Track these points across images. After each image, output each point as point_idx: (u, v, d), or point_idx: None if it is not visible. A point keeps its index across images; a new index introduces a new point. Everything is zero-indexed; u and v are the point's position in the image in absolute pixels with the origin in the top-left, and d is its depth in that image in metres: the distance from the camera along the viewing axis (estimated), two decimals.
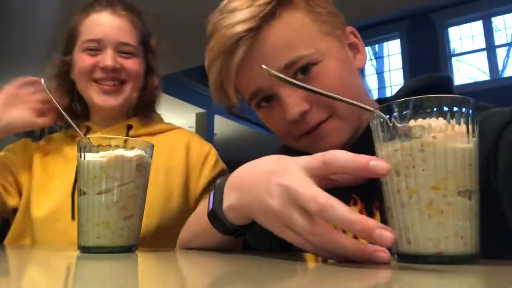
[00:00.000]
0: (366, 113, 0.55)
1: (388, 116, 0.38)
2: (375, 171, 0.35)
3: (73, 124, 0.56)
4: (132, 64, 0.90)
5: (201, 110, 5.88)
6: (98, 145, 0.53)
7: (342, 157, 0.37)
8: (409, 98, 0.37)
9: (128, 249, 0.53)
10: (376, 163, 0.35)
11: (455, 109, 0.36)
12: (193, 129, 5.73)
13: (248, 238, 0.65)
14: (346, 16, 0.65)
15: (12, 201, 0.90)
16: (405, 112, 0.37)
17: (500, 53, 6.55)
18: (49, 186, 0.89)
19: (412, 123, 0.37)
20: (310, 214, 0.37)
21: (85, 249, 0.52)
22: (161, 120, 1.03)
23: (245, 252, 0.58)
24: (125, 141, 0.54)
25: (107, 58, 0.86)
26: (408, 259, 0.37)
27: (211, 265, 0.42)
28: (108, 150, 0.52)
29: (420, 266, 0.35)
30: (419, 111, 0.37)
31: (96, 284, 0.28)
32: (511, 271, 0.33)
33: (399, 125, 0.37)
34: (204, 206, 0.55)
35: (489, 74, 6.56)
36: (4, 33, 3.65)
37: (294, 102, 0.56)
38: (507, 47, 6.53)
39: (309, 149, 0.60)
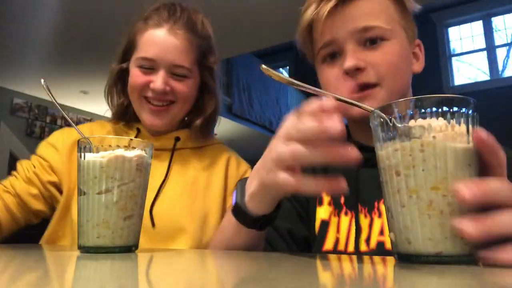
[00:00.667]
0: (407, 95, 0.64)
1: (388, 116, 0.38)
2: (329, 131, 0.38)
3: (74, 125, 0.57)
4: (182, 87, 0.89)
5: None
6: (98, 145, 0.53)
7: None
8: (409, 98, 0.37)
9: (128, 249, 0.53)
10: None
11: (455, 109, 0.36)
12: None
13: (269, 240, 0.68)
14: None
15: (38, 206, 0.86)
16: (405, 112, 0.37)
17: (500, 53, 6.55)
18: None
19: (412, 123, 0.37)
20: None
21: (85, 249, 0.52)
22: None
23: (247, 252, 0.58)
24: (125, 141, 0.54)
25: (158, 81, 0.86)
26: (408, 259, 0.37)
27: (212, 264, 0.42)
28: (108, 150, 0.53)
29: (420, 266, 0.35)
30: (419, 111, 0.37)
31: (96, 284, 0.28)
32: (511, 271, 0.33)
33: (399, 125, 0.37)
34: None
35: (489, 74, 6.57)
36: (4, 33, 3.65)
37: (355, 56, 0.64)
38: (507, 47, 6.53)
39: (345, 113, 0.67)
